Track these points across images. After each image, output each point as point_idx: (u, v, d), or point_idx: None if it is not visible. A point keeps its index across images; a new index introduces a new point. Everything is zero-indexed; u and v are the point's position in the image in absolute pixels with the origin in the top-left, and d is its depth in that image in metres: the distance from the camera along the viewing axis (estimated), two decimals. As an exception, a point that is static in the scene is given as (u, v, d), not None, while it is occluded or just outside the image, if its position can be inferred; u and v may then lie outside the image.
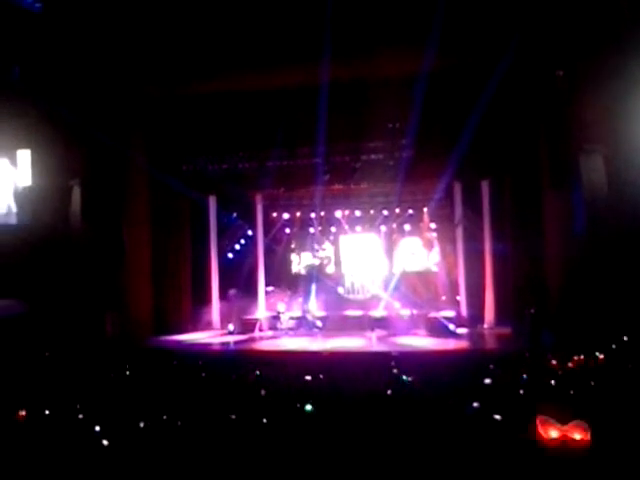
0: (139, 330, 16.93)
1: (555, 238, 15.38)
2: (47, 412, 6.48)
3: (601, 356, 9.64)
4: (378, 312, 18.45)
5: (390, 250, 20.90)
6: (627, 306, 12.53)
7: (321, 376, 8.98)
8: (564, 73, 14.10)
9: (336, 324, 18.24)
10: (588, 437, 4.29)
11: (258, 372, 9.50)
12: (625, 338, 10.85)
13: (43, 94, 14.74)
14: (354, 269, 21.20)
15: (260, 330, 18.37)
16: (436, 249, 20.24)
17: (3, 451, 4.91)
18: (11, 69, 14.64)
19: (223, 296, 19.35)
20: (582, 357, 9.55)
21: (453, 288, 18.89)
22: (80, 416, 6.30)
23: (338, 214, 20.88)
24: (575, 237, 14.04)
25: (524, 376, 8.14)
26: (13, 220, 15.72)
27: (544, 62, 14.46)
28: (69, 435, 5.42)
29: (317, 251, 21.51)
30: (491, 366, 9.41)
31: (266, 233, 20.39)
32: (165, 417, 6.14)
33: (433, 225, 20.22)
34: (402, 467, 4.34)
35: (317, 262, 21.44)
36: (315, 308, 19.39)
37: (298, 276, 21.46)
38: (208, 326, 18.80)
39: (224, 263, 19.86)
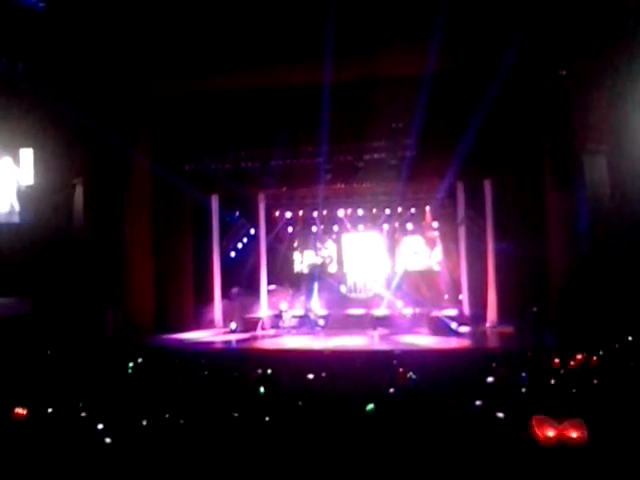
0: (141, 328, 16.98)
1: (558, 237, 15.39)
2: (49, 410, 6.49)
3: (603, 355, 9.63)
4: (380, 311, 18.44)
5: (392, 249, 20.90)
6: (630, 305, 12.53)
7: (323, 375, 8.98)
8: (567, 73, 14.10)
9: (338, 323, 18.23)
10: (585, 435, 4.28)
11: (260, 371, 9.50)
12: (630, 338, 10.83)
13: (46, 92, 14.76)
14: (356, 268, 21.20)
15: (262, 329, 18.38)
16: (438, 248, 20.24)
17: (5, 449, 4.93)
18: (15, 67, 14.65)
19: (225, 295, 19.36)
20: (584, 356, 9.53)
21: (455, 287, 18.88)
22: (83, 414, 6.32)
23: (341, 213, 20.89)
24: (578, 236, 14.04)
25: (523, 375, 8.13)
26: (16, 219, 15.74)
27: (547, 62, 14.46)
28: (72, 433, 5.43)
29: (319, 250, 21.52)
30: (493, 365, 9.41)
31: (268, 232, 20.37)
32: (167, 415, 6.15)
33: (435, 224, 20.21)
34: (404, 465, 4.35)
35: (319, 261, 21.44)
36: (317, 307, 19.38)
37: (300, 275, 21.46)
38: (210, 324, 18.79)
39: (226, 262, 19.85)
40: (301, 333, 17.89)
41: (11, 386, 7.93)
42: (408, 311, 18.00)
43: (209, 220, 19.39)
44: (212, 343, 16.67)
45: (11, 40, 13.99)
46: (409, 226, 20.55)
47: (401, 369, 9.04)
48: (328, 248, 21.61)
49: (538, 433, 4.30)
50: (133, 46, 14.67)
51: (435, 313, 17.21)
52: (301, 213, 21.16)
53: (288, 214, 21.18)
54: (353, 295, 20.80)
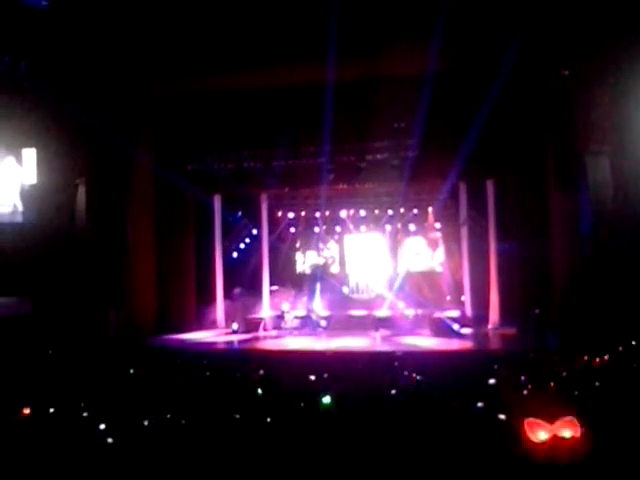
0: (143, 328, 16.99)
1: (560, 238, 15.38)
2: (51, 410, 6.49)
3: (606, 357, 9.60)
4: (382, 312, 18.44)
5: (395, 250, 20.88)
6: (632, 307, 12.50)
7: (325, 376, 8.97)
8: (570, 73, 14.08)
9: (340, 324, 18.24)
10: (578, 433, 4.24)
11: (262, 371, 9.49)
12: (633, 342, 10.80)
13: (49, 92, 14.78)
14: (359, 269, 21.19)
15: (264, 329, 18.37)
16: (441, 249, 20.22)
17: (7, 448, 4.93)
18: (17, 66, 14.67)
19: (227, 295, 19.35)
20: (586, 358, 9.51)
21: (458, 288, 18.86)
22: (85, 414, 6.32)
23: (343, 213, 20.87)
24: (581, 238, 14.02)
25: (522, 378, 8.11)
26: (19, 218, 15.77)
27: (549, 62, 14.45)
28: (74, 433, 5.43)
29: (322, 250, 21.51)
30: (495, 366, 9.39)
31: (271, 232, 20.36)
32: (169, 416, 6.15)
33: (438, 225, 20.18)
34: (406, 466, 4.34)
35: (322, 261, 21.43)
36: (319, 307, 19.39)
37: (303, 275, 21.46)
38: (212, 325, 18.79)
39: (228, 262, 19.84)
40: (303, 334, 17.89)
41: (14, 385, 7.94)
42: (410, 312, 18.00)
43: (211, 220, 19.39)
44: (214, 343, 16.68)
45: (14, 39, 14.01)
46: (411, 227, 20.53)
47: (406, 372, 9.03)
48: (330, 249, 21.60)
49: (531, 437, 4.26)
50: (135, 46, 14.68)
51: (437, 314, 17.22)
52: (303, 213, 21.15)
53: (290, 214, 21.17)
54: (355, 296, 20.79)
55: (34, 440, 5.16)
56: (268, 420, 5.74)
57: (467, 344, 15.31)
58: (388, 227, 20.76)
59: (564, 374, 8.62)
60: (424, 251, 20.64)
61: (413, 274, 20.23)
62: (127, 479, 4.52)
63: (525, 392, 7.14)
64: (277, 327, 18.60)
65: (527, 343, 14.20)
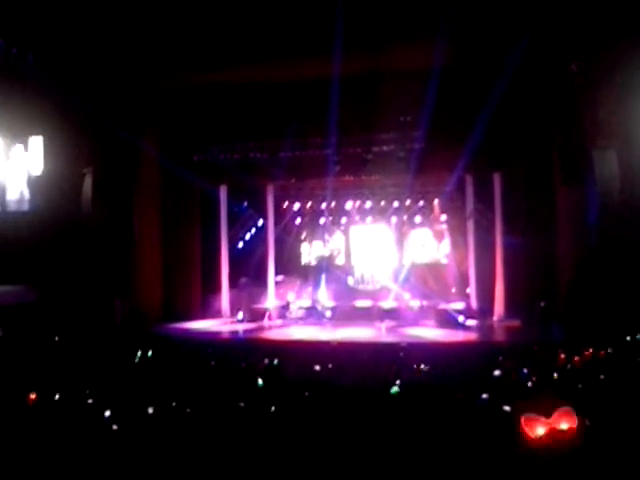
0: (149, 317, 17.06)
1: (567, 231, 15.35)
2: (57, 397, 6.54)
3: (610, 350, 9.60)
4: (387, 303, 18.45)
5: (400, 241, 20.84)
6: (638, 300, 12.48)
7: (330, 366, 9.00)
8: (578, 67, 14.00)
9: (345, 314, 18.26)
10: (575, 423, 4.24)
11: (267, 361, 9.53)
12: (638, 336, 10.79)
13: (56, 82, 14.78)
14: (364, 260, 21.17)
15: (269, 319, 18.43)
16: (446, 241, 20.18)
17: (13, 434, 4.96)
18: (25, 57, 14.69)
19: (233, 285, 19.40)
20: (591, 351, 9.51)
21: (463, 280, 18.83)
22: (90, 401, 6.36)
23: (349, 205, 20.83)
24: (587, 231, 13.97)
25: (525, 370, 8.12)
26: (26, 206, 15.83)
27: (558, 57, 14.36)
28: (79, 420, 5.47)
29: (327, 241, 21.50)
30: (500, 358, 9.40)
31: (277, 223, 20.39)
32: (174, 404, 6.19)
33: (444, 217, 20.13)
34: (410, 457, 4.35)
35: (327, 252, 21.42)
36: (325, 298, 19.41)
37: (308, 266, 21.45)
38: (218, 314, 18.85)
39: (234, 252, 19.89)
40: (308, 324, 17.94)
41: (20, 373, 7.99)
42: (415, 304, 18.03)
43: (217, 210, 19.43)
44: (219, 333, 16.75)
45: (22, 30, 14.02)
46: (417, 219, 20.47)
47: (411, 363, 9.06)
48: (336, 240, 21.59)
49: (528, 433, 4.26)
50: (143, 38, 14.63)
51: (442, 306, 17.23)
52: (309, 205, 21.12)
53: (296, 205, 21.15)
54: (360, 287, 20.78)
55: (39, 427, 5.19)
56: (272, 409, 5.77)
57: (472, 336, 15.34)
58: (394, 219, 20.71)
59: (568, 366, 8.65)
60: (430, 243, 20.60)
61: (418, 266, 20.21)
62: (132, 466, 4.55)
63: (524, 386, 7.15)
64: (282, 317, 18.66)
65: (532, 335, 14.20)
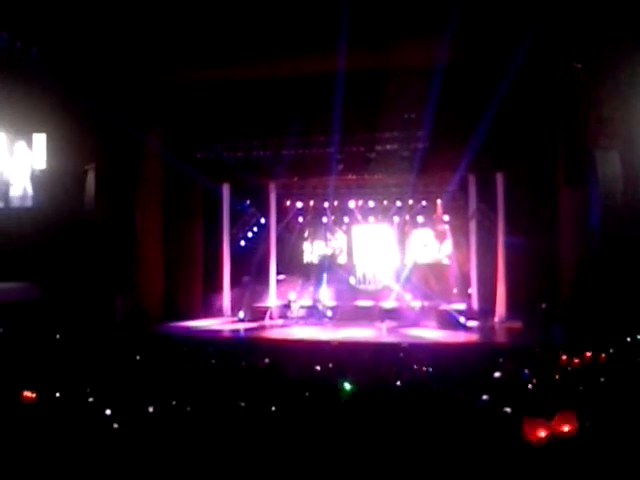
0: (150, 315, 17.05)
1: (569, 232, 15.30)
2: (58, 394, 6.54)
3: (612, 352, 9.58)
4: (389, 303, 18.44)
5: (402, 241, 20.85)
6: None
7: (330, 366, 8.99)
8: (582, 67, 13.97)
9: (346, 314, 18.25)
10: (576, 425, 4.23)
11: (267, 360, 9.52)
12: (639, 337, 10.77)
13: (60, 77, 14.78)
14: (366, 259, 21.18)
15: (270, 318, 18.43)
16: (448, 241, 20.17)
17: (13, 432, 4.97)
18: (29, 52, 14.68)
19: (234, 283, 19.40)
20: (592, 353, 9.48)
21: (465, 281, 18.83)
22: (90, 399, 6.36)
23: (351, 204, 20.84)
24: (589, 232, 13.94)
25: (525, 372, 8.10)
26: (29, 203, 15.83)
27: (561, 55, 14.33)
28: (79, 418, 5.47)
29: (329, 241, 21.50)
30: (501, 360, 9.38)
31: (279, 221, 20.40)
32: (174, 403, 6.18)
33: (446, 217, 20.12)
34: (410, 457, 4.35)
35: (329, 252, 21.43)
36: (326, 297, 19.40)
37: (310, 265, 21.47)
38: (219, 313, 18.87)
39: (236, 250, 19.89)
40: (309, 324, 17.92)
41: (20, 370, 7.99)
42: (416, 304, 18.00)
43: (220, 208, 19.42)
44: (220, 331, 16.74)
45: (26, 24, 14.01)
46: (420, 219, 20.48)
47: (411, 364, 9.04)
48: (338, 239, 21.59)
49: (530, 435, 4.25)
50: (147, 34, 14.62)
51: (443, 307, 17.22)
52: (312, 203, 21.13)
53: (299, 204, 21.16)
54: (362, 287, 20.79)
55: (40, 424, 5.20)
56: (273, 409, 5.76)
57: (473, 337, 15.31)
58: (396, 218, 20.72)
59: (569, 368, 8.63)
60: (432, 243, 20.60)
61: (420, 266, 20.21)
62: (132, 464, 4.55)
63: (525, 387, 7.14)
64: (283, 316, 18.65)
65: (533, 337, 14.17)
